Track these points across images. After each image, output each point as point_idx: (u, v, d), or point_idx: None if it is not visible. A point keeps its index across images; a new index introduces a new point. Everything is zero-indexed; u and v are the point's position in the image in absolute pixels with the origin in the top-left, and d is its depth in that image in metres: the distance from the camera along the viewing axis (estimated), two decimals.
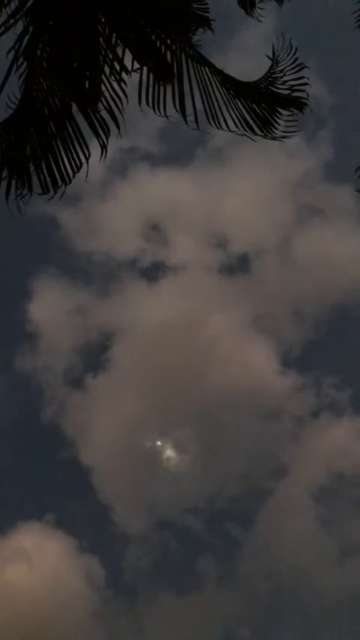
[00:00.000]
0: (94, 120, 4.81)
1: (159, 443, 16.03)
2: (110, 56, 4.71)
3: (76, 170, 4.89)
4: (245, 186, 16.32)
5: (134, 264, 16.66)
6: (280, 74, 4.86)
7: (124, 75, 4.75)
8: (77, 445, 15.53)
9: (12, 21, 4.79)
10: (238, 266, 16.81)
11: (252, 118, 4.89)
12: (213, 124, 4.81)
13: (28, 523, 14.71)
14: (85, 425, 15.80)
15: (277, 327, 16.70)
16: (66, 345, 16.32)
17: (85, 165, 4.86)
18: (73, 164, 4.89)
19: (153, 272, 16.64)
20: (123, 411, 15.73)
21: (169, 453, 15.96)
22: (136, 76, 4.83)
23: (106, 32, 4.74)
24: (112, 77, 4.73)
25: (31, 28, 4.81)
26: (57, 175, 4.87)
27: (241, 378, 15.96)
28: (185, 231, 16.89)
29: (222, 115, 4.88)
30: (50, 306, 16.44)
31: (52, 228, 16.28)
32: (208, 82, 4.87)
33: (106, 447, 15.55)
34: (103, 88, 4.78)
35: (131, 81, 4.89)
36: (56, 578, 14.63)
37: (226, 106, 4.87)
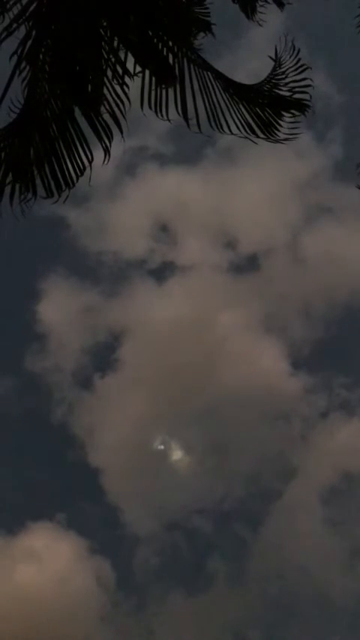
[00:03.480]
0: (97, 123, 4.81)
1: (167, 444, 16.03)
2: (113, 60, 4.71)
3: (79, 174, 4.89)
4: (254, 186, 16.30)
5: (143, 263, 16.69)
6: (283, 76, 4.83)
7: (127, 78, 4.75)
8: (86, 446, 15.58)
9: (15, 25, 4.79)
10: (247, 265, 16.80)
11: (254, 121, 4.87)
12: (215, 128, 4.80)
13: (38, 523, 14.77)
14: (94, 425, 15.84)
15: (287, 326, 16.65)
16: (75, 345, 16.37)
17: (88, 169, 4.87)
18: (77, 168, 4.89)
19: (162, 272, 16.66)
20: (132, 412, 15.76)
21: (178, 453, 15.96)
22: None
23: (109, 36, 4.73)
24: (115, 81, 4.74)
25: (33, 33, 4.81)
26: (60, 179, 4.88)
27: (250, 378, 15.94)
28: (194, 230, 16.89)
29: (224, 118, 4.87)
30: (59, 307, 16.50)
31: (61, 229, 16.34)
32: (210, 86, 4.87)
33: (115, 448, 15.58)
34: (105, 91, 4.78)
35: (138, 82, 4.89)
36: (66, 578, 14.67)
37: (228, 109, 4.86)
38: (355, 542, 14.76)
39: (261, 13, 4.75)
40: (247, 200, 16.43)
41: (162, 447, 15.94)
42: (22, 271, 15.59)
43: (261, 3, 4.75)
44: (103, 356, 16.38)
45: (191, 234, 16.82)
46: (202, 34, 4.92)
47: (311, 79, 4.72)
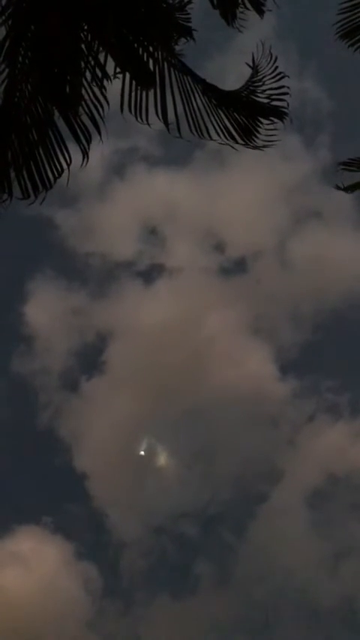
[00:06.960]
0: (76, 125, 4.77)
1: (153, 448, 15.99)
2: (92, 62, 4.68)
3: (57, 175, 4.86)
4: (243, 189, 16.29)
5: (131, 265, 16.64)
6: (260, 83, 4.84)
7: (106, 81, 4.72)
8: (72, 450, 15.51)
9: None
10: (235, 268, 16.79)
11: (233, 127, 4.87)
12: (195, 133, 4.80)
13: (24, 527, 14.70)
14: (80, 429, 15.77)
15: (275, 329, 16.66)
16: (62, 347, 16.30)
17: (66, 171, 4.83)
18: (55, 170, 4.85)
19: (150, 274, 16.62)
20: (118, 414, 15.71)
21: (165, 457, 15.92)
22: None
23: (88, 39, 4.70)
24: (94, 83, 4.71)
25: (12, 33, 4.76)
26: (38, 181, 4.84)
27: (238, 381, 15.93)
28: (183, 232, 16.86)
29: (204, 123, 4.86)
30: (47, 308, 16.42)
31: (49, 229, 16.26)
32: (190, 91, 4.85)
33: (101, 452, 15.52)
34: (84, 93, 4.74)
35: (119, 84, 4.86)
36: (52, 582, 14.59)
37: (208, 115, 4.86)
38: (341, 545, 14.80)
39: (242, 19, 4.73)
40: (236, 203, 16.43)
41: (148, 451, 15.91)
42: (8, 272, 15.51)
43: (241, 9, 4.73)
44: (91, 358, 16.33)
45: (180, 237, 16.80)
46: (183, 39, 4.88)
47: (288, 87, 4.74)
